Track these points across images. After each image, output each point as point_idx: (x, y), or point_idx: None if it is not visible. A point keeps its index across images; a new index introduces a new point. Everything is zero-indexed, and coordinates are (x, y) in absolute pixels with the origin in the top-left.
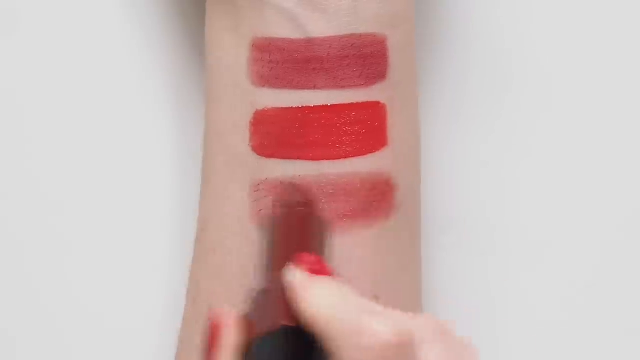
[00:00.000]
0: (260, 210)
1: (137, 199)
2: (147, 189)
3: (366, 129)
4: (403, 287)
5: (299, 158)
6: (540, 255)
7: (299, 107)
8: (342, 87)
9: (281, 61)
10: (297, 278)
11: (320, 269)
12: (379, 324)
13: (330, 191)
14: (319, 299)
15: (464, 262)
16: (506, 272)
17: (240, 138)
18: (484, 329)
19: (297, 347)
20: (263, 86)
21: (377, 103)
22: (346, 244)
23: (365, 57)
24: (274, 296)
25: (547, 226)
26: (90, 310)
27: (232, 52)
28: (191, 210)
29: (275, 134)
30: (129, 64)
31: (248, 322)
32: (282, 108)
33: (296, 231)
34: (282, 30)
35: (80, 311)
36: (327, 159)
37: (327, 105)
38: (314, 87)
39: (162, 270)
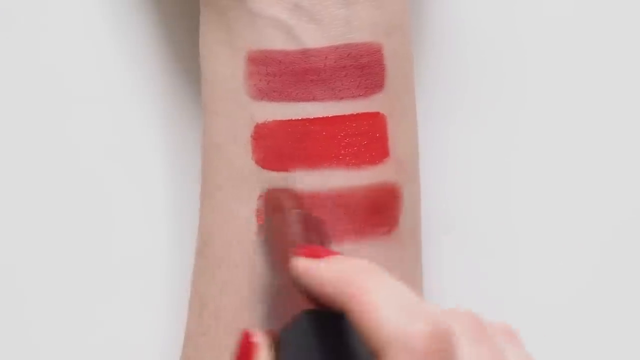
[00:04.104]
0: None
1: (133, 208)
2: (143, 199)
3: (368, 140)
4: None
5: (302, 170)
6: (542, 257)
7: (299, 120)
8: (341, 98)
9: (278, 74)
10: (299, 263)
11: (320, 251)
12: (420, 322)
13: (335, 203)
14: (324, 269)
15: (464, 263)
16: (507, 273)
17: (242, 151)
18: None
19: (322, 328)
20: (262, 99)
21: (377, 114)
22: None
23: (362, 67)
24: (285, 291)
25: (549, 227)
26: (89, 327)
27: (227, 65)
28: (188, 222)
29: (278, 147)
30: (125, 74)
31: (273, 333)
32: (283, 121)
33: (292, 231)
34: (276, 42)
35: (76, 329)
36: (330, 171)
37: (327, 117)
38: (313, 99)
39: (159, 284)
